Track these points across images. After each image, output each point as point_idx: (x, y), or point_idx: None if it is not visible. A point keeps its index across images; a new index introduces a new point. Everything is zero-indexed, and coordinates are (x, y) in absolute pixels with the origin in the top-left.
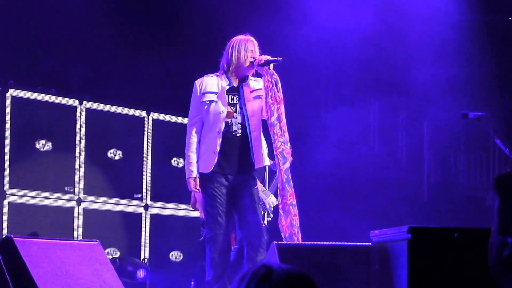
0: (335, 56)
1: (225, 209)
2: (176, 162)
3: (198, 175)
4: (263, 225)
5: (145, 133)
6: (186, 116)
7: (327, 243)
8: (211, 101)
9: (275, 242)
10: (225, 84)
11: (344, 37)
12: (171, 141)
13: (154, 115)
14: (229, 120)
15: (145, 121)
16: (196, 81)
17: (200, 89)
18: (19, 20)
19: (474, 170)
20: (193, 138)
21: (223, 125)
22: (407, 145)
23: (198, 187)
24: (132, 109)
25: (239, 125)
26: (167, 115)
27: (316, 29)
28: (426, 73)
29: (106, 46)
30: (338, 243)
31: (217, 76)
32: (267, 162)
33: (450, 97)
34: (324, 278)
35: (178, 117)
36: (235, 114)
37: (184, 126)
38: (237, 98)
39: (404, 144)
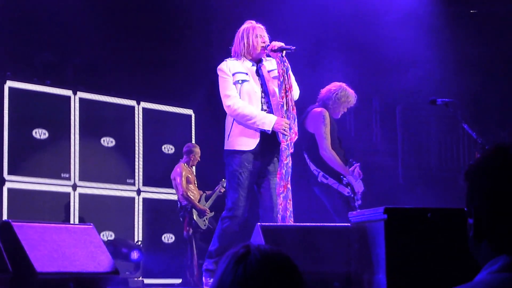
0: (312, 41)
1: (245, 193)
2: (167, 148)
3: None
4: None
5: (136, 122)
6: (174, 105)
7: (308, 224)
8: (244, 80)
9: (259, 223)
10: (249, 65)
11: (320, 27)
12: (161, 128)
13: (144, 104)
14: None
15: (135, 110)
16: (221, 65)
17: (229, 70)
18: (16, 15)
19: (445, 153)
20: (244, 103)
21: (259, 104)
22: (381, 130)
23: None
24: (122, 99)
25: (267, 104)
26: (156, 104)
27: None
28: (398, 61)
29: (98, 39)
30: (319, 224)
31: (236, 60)
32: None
33: (421, 84)
34: (306, 257)
35: (167, 106)
36: (263, 93)
37: (173, 114)
38: (258, 79)
39: (379, 129)
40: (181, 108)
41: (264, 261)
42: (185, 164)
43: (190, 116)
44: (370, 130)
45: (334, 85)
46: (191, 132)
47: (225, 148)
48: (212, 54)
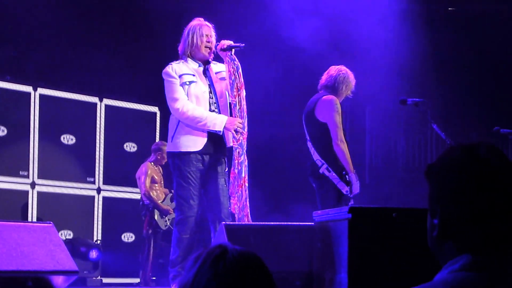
0: (284, 49)
1: (197, 192)
2: (129, 147)
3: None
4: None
5: (98, 119)
6: (139, 102)
7: (272, 223)
8: (191, 82)
9: (224, 222)
10: (196, 66)
11: (291, 26)
12: (124, 126)
13: (106, 101)
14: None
15: (97, 107)
16: (166, 69)
17: (175, 72)
18: None
19: (412, 153)
20: (193, 105)
21: (207, 105)
22: (350, 129)
23: (238, 121)
24: (84, 95)
25: (215, 105)
26: (119, 101)
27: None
28: (368, 61)
29: (60, 34)
30: (282, 223)
31: (182, 62)
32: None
33: (391, 84)
34: (269, 256)
35: (130, 103)
36: (211, 94)
37: (137, 112)
38: (206, 80)
39: (347, 129)
40: (146, 105)
41: (242, 259)
42: (152, 163)
43: (155, 113)
44: None
45: (339, 69)
46: (156, 130)
47: (169, 150)
48: (179, 50)
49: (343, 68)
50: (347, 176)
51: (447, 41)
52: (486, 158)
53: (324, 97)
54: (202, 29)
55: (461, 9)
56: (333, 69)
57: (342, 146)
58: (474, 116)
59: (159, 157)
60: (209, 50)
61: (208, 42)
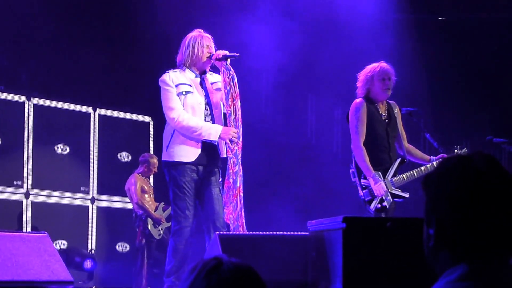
0: (275, 58)
1: (192, 202)
2: (122, 156)
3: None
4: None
5: (92, 128)
6: (132, 112)
7: (266, 232)
8: (188, 92)
9: (217, 232)
10: (193, 76)
11: (280, 39)
12: (117, 136)
13: (100, 110)
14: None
15: (91, 116)
16: (163, 76)
17: (172, 81)
18: None
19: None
20: (188, 115)
21: (203, 116)
22: (342, 140)
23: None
24: (78, 105)
25: (210, 116)
26: (112, 111)
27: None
28: (360, 71)
29: (53, 43)
30: (277, 232)
31: (179, 71)
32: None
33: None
34: (264, 266)
35: (124, 113)
36: (206, 105)
37: (130, 121)
38: (202, 91)
39: (340, 139)
40: (139, 115)
41: (236, 271)
42: (140, 175)
43: (149, 123)
44: (331, 139)
45: (366, 69)
46: (149, 140)
47: (163, 159)
48: (172, 59)
49: (366, 68)
50: (363, 181)
51: (438, 51)
52: (481, 168)
53: (353, 101)
54: (203, 40)
55: (452, 19)
56: (364, 73)
57: (357, 150)
58: (467, 125)
59: (146, 170)
60: (208, 60)
61: (209, 53)
